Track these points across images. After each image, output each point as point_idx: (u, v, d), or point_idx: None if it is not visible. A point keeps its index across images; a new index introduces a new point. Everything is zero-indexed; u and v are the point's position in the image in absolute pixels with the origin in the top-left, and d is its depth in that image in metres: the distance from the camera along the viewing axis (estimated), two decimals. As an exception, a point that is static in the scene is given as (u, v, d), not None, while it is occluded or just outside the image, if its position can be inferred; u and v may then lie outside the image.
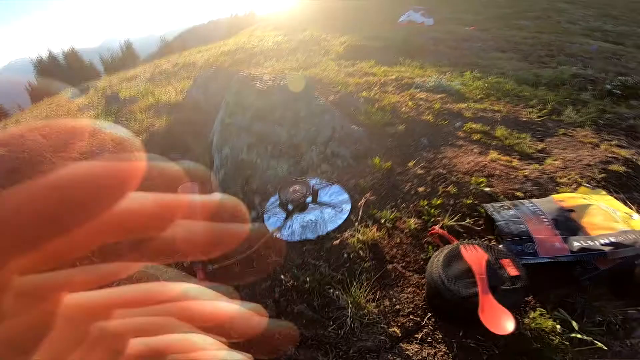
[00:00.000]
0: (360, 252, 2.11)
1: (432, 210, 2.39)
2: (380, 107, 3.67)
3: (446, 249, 1.82)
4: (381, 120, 3.40)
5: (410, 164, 2.84)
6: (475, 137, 3.31)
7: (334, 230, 2.29)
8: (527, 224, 2.14)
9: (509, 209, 2.29)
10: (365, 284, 1.93)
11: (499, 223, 2.16)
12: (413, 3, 10.92)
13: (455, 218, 2.31)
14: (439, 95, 4.12)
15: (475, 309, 1.51)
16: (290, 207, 2.35)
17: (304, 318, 1.86)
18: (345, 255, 2.11)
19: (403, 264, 2.10)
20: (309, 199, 2.39)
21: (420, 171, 2.76)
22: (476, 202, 2.47)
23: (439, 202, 2.44)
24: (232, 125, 3.24)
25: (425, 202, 2.44)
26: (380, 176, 2.74)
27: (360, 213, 2.19)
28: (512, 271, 1.68)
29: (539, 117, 3.84)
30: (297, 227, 2.36)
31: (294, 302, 1.93)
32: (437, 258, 1.79)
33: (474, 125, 3.46)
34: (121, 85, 7.77)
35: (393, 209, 2.40)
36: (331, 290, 1.94)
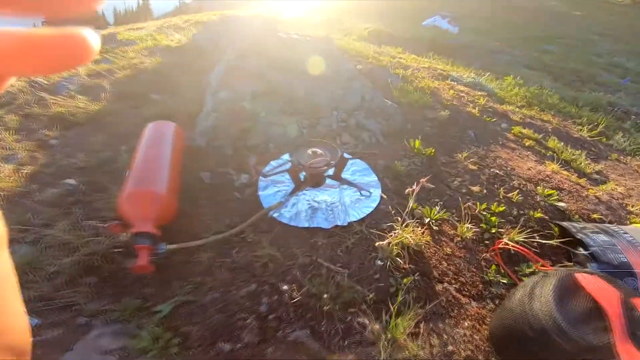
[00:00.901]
0: (399, 260, 1.35)
1: (493, 219, 1.66)
2: (418, 88, 2.92)
3: (554, 277, 1.09)
4: (419, 101, 2.66)
5: (461, 156, 2.10)
6: (527, 142, 2.61)
7: (359, 222, 1.52)
8: (627, 254, 1.50)
9: (598, 233, 1.63)
10: (405, 311, 1.18)
11: (593, 249, 1.50)
12: (440, 10, 10.22)
13: (523, 233, 1.58)
14: (480, 93, 3.40)
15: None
16: (302, 175, 1.57)
17: (303, 351, 1.10)
18: (379, 262, 1.35)
19: (457, 285, 1.37)
20: (331, 170, 1.61)
21: (472, 167, 2.03)
22: (546, 216, 1.77)
23: (500, 209, 1.72)
24: (240, 69, 2.44)
25: (484, 207, 1.71)
26: (420, 163, 1.99)
27: (410, 204, 1.42)
28: (649, 314, 1.02)
29: (590, 137, 3.18)
30: (304, 208, 1.59)
31: (290, 323, 1.17)
32: (542, 289, 1.07)
33: (524, 130, 2.77)
34: (124, 32, 6.83)
35: (439, 207, 1.66)
36: (352, 314, 1.18)
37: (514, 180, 1.97)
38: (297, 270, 1.31)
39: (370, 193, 1.68)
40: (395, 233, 1.39)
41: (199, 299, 1.23)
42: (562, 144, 2.77)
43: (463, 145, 2.28)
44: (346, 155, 1.55)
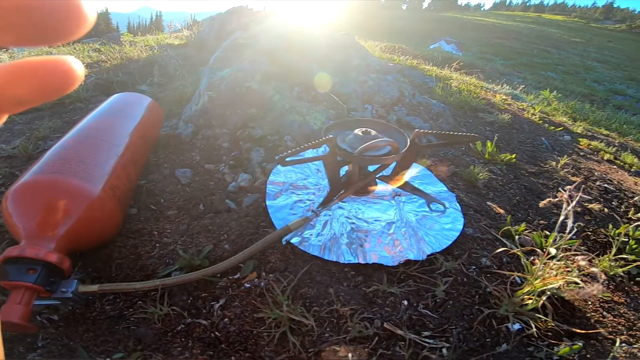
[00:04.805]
0: (541, 317, 0.66)
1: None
2: (461, 90, 2.30)
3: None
4: (470, 102, 2.03)
5: (554, 164, 1.44)
6: (606, 156, 1.95)
7: (444, 254, 0.83)
8: None
9: None
10: None
11: None
12: (441, 35, 9.96)
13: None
14: (523, 103, 2.78)
15: None
16: (344, 172, 0.89)
17: None
18: (513, 327, 0.65)
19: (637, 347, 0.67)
20: (389, 168, 0.93)
21: (572, 178, 1.35)
22: None
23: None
24: (248, 47, 1.81)
25: (621, 231, 1.02)
26: (500, 171, 1.32)
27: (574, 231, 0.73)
28: None
29: (659, 154, 2.53)
30: (345, 230, 0.90)
31: None
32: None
33: (593, 143, 2.11)
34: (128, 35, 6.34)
35: (548, 231, 0.98)
36: None
37: (633, 197, 1.30)
38: (348, 349, 0.60)
39: (445, 207, 1.00)
40: (532, 275, 0.70)
41: None
42: (637, 159, 2.12)
43: (542, 154, 1.62)
44: (421, 141, 0.86)
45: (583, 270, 0.80)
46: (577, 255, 0.96)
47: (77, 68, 0.16)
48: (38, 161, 0.75)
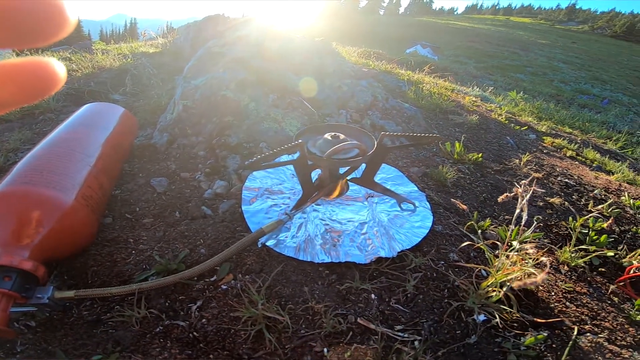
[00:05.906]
0: (505, 309, 0.71)
1: (602, 238, 1.06)
2: (433, 93, 2.39)
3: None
4: (441, 105, 2.11)
5: (517, 162, 1.53)
6: (568, 152, 2.07)
7: (413, 251, 0.87)
8: None
9: None
10: None
11: None
12: (415, 39, 10.24)
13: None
14: (492, 105, 2.92)
15: None
16: (319, 174, 0.93)
17: None
18: (479, 318, 0.70)
19: (604, 335, 0.75)
20: (360, 170, 0.98)
21: (535, 174, 1.44)
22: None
23: (603, 225, 1.12)
24: (223, 55, 1.83)
25: (579, 223, 1.10)
26: (468, 170, 1.39)
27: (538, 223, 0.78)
28: None
29: (620, 149, 2.73)
30: (319, 232, 0.93)
31: None
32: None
33: (556, 141, 2.24)
34: (101, 44, 6.21)
35: (509, 224, 1.04)
36: None
37: (593, 191, 1.39)
38: (322, 344, 0.63)
39: (415, 207, 1.05)
40: (494, 267, 0.75)
41: None
42: (599, 155, 2.27)
43: (507, 152, 1.71)
44: (387, 143, 0.91)
45: (537, 260, 0.86)
46: (530, 243, 1.03)
47: (59, 69, 0.16)
48: (9, 172, 0.75)
